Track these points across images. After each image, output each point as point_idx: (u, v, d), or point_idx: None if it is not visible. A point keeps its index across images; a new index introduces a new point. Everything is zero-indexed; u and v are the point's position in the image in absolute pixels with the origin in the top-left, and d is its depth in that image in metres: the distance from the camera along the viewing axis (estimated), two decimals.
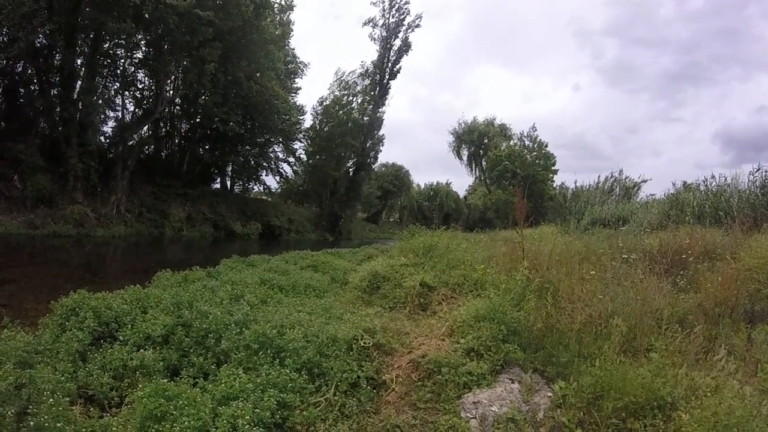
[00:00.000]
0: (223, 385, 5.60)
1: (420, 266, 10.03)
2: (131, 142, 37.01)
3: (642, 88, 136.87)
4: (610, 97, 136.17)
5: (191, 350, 6.67)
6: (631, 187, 47.35)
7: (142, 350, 6.39)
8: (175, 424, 4.74)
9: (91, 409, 5.33)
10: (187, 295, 8.25)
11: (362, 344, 6.42)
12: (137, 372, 6.00)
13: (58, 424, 4.54)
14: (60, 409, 4.84)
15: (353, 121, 54.65)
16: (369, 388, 5.88)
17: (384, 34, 55.79)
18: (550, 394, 5.72)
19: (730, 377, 5.24)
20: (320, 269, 14.17)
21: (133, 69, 40.04)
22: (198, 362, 6.40)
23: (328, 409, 5.64)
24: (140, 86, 40.69)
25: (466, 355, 6.19)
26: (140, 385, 5.52)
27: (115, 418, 5.12)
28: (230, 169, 51.88)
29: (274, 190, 57.49)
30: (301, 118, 53.90)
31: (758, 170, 17.15)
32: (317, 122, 55.89)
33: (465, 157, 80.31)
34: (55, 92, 32.59)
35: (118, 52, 38.06)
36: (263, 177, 55.22)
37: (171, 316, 7.34)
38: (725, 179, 18.82)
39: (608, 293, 7.44)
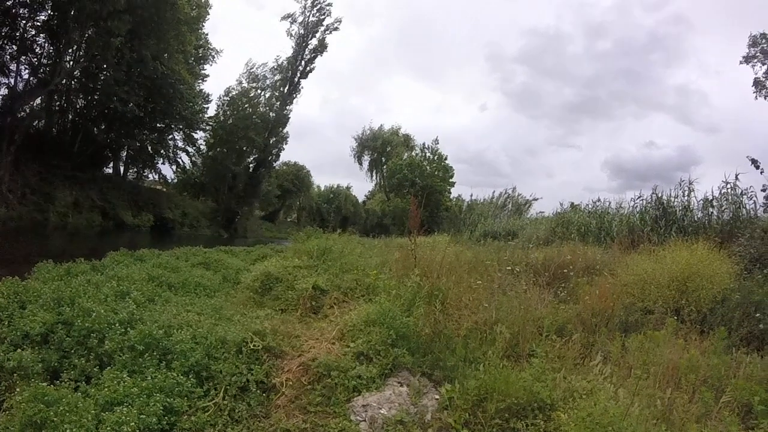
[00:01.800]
0: (106, 389, 5.31)
1: (313, 269, 10.05)
2: (21, 114, 34.04)
3: (544, 115, 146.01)
4: (513, 120, 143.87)
5: (72, 351, 6.27)
6: (523, 203, 49.73)
7: (19, 350, 5.94)
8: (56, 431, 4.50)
9: None
10: (69, 291, 7.68)
11: (252, 347, 6.34)
12: (14, 374, 5.60)
13: None
14: None
15: (259, 116, 53.58)
16: (259, 392, 5.83)
17: (302, 31, 55.44)
18: (437, 396, 5.95)
19: (605, 381, 5.78)
20: (212, 267, 13.77)
21: (33, 32, 36.40)
22: (80, 364, 6.03)
23: (218, 413, 5.52)
24: (38, 52, 37.36)
25: (356, 358, 6.30)
26: (18, 389, 5.22)
27: None
28: (125, 154, 49.01)
29: (170, 180, 55.03)
30: (205, 106, 52.08)
31: (639, 197, 19.10)
32: (221, 113, 54.21)
33: (366, 163, 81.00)
34: None
35: (21, 12, 34.58)
36: (159, 165, 52.57)
37: (51, 312, 6.83)
38: (609, 203, 20.62)
39: (494, 302, 7.89)
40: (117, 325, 6.67)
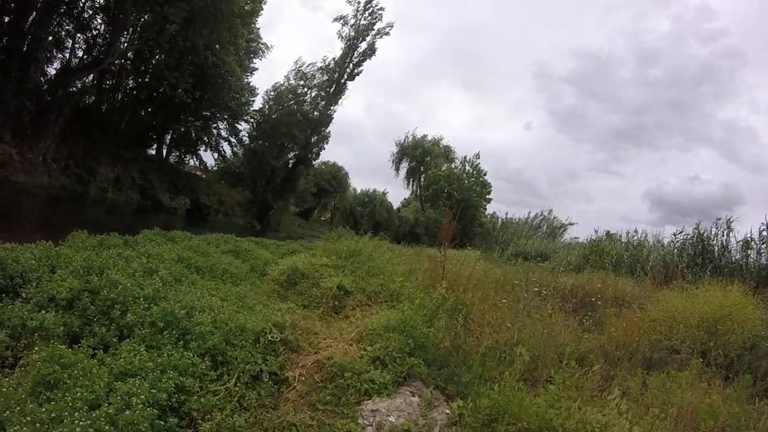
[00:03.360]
0: (122, 360, 5.39)
1: (340, 269, 10.04)
2: (72, 89, 35.00)
3: (588, 138, 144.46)
4: (556, 141, 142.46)
5: (95, 319, 6.37)
6: (558, 227, 49.47)
7: (43, 311, 6.05)
8: (67, 394, 4.53)
9: None
10: (100, 261, 7.85)
11: (270, 338, 6.39)
12: (36, 334, 5.69)
13: None
14: None
15: (303, 114, 54.06)
16: (271, 383, 5.85)
17: (352, 33, 55.68)
18: (447, 411, 5.88)
19: (621, 417, 5.57)
20: (241, 256, 13.89)
21: (91, 13, 37.55)
22: (100, 332, 6.12)
23: (227, 398, 5.55)
24: (94, 32, 38.51)
25: (371, 362, 6.28)
26: (36, 348, 5.29)
27: (7, 378, 4.81)
28: (169, 137, 50.14)
29: (209, 168, 56.03)
30: (251, 99, 52.87)
31: (681, 233, 18.71)
32: (267, 107, 54.94)
33: (403, 171, 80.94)
34: (6, 20, 29.94)
35: None
36: (201, 152, 53.71)
37: (79, 280, 6.95)
38: (646, 235, 20.11)
39: (517, 322, 7.77)
40: (141, 299, 6.77)
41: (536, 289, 10.70)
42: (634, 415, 5.70)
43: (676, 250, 18.10)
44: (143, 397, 4.74)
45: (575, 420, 5.42)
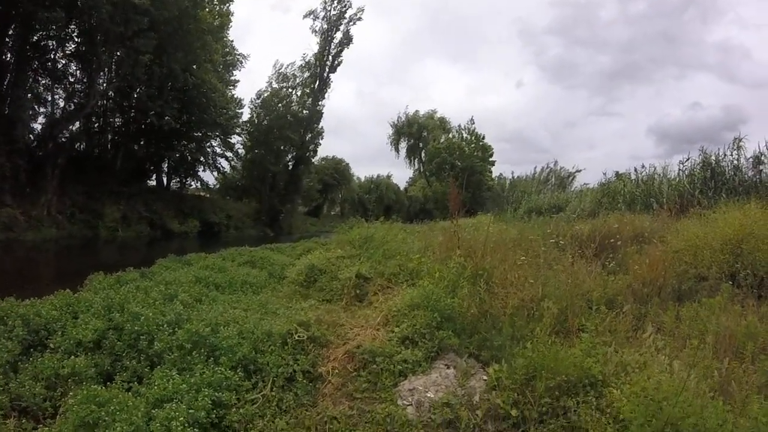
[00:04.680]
0: (156, 387, 5.45)
1: (356, 258, 10.04)
2: (62, 140, 35.26)
3: (581, 85, 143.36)
4: (550, 93, 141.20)
5: (124, 354, 6.45)
6: (566, 177, 48.89)
7: (73, 357, 6.13)
8: (107, 431, 4.61)
9: (24, 421, 5.11)
10: (119, 297, 7.95)
11: (297, 338, 6.40)
12: (69, 380, 5.76)
13: None
14: None
15: (292, 114, 54.00)
16: (305, 381, 5.88)
17: (325, 26, 55.47)
18: (485, 377, 5.86)
19: (658, 353, 5.52)
20: (258, 265, 13.97)
21: (64, 62, 37.89)
22: (131, 366, 6.21)
23: (266, 405, 5.59)
24: (71, 80, 38.65)
25: (401, 343, 6.26)
26: (71, 393, 5.34)
27: (48, 429, 4.92)
28: (166, 165, 50.32)
29: (212, 186, 56.17)
30: (239, 111, 52.86)
31: (687, 160, 18.45)
32: (255, 116, 54.90)
33: (403, 150, 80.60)
34: None
35: (49, 44, 35.99)
36: (200, 173, 53.82)
37: (102, 319, 7.05)
38: (654, 168, 19.93)
39: (540, 277, 7.67)
40: (165, 326, 6.85)
41: (553, 241, 10.68)
42: (672, 349, 5.62)
43: (686, 178, 17.80)
44: (182, 419, 4.80)
45: (613, 364, 5.39)
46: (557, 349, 5.57)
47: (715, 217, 10.31)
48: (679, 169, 18.67)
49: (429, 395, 5.53)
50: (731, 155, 16.66)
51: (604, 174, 23.33)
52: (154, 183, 49.09)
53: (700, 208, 12.78)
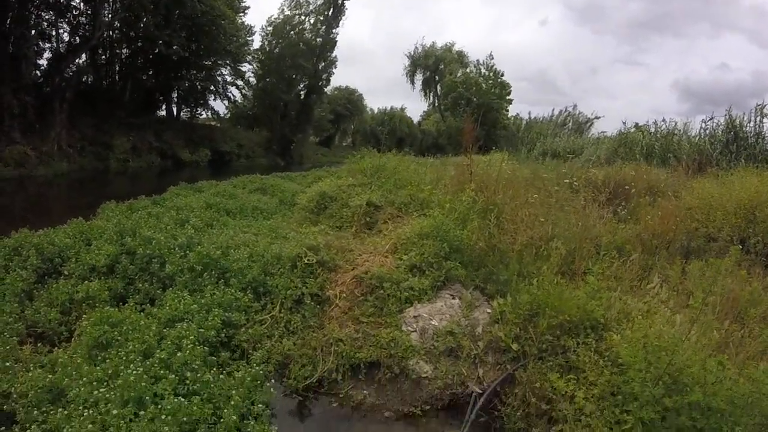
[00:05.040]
0: (167, 308, 5.65)
1: (367, 186, 10.00)
2: (69, 74, 34.78)
3: (608, 31, 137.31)
4: (576, 36, 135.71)
5: (136, 277, 6.62)
6: (584, 122, 48.11)
7: (87, 282, 6.29)
8: (120, 350, 4.76)
9: (40, 345, 5.27)
10: (131, 223, 8.04)
11: (306, 261, 6.51)
12: (84, 304, 5.93)
13: (6, 364, 4.50)
14: (7, 348, 4.81)
15: (305, 42, 52.59)
16: (313, 304, 6.03)
17: None
18: (489, 310, 6.00)
19: (662, 305, 5.57)
20: (269, 192, 14.11)
21: None
22: (144, 288, 6.39)
23: (274, 325, 5.80)
24: (75, 12, 37.59)
25: (408, 271, 6.36)
26: (85, 316, 5.53)
27: (62, 350, 5.07)
28: (176, 95, 49.70)
29: (222, 115, 55.49)
30: (249, 39, 51.47)
31: (710, 119, 17.98)
32: (267, 43, 53.48)
33: (419, 83, 78.63)
34: None
35: None
36: (211, 102, 52.97)
37: (114, 245, 7.17)
38: (675, 124, 19.57)
39: (550, 217, 7.70)
40: (176, 249, 7.00)
41: (567, 181, 10.61)
42: (676, 303, 5.65)
43: (707, 138, 17.54)
44: (192, 337, 4.98)
45: (616, 310, 5.48)
46: (562, 289, 5.68)
47: (732, 180, 10.18)
48: (701, 128, 18.33)
49: (433, 323, 5.67)
50: (756, 121, 16.34)
51: (624, 123, 22.77)
52: (163, 113, 48.54)
53: (718, 169, 12.72)
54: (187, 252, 6.90)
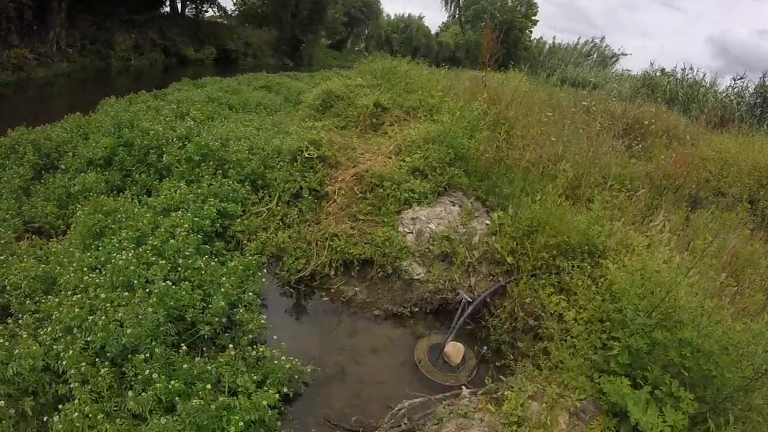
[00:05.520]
0: (163, 197, 5.62)
1: (376, 88, 9.72)
2: None
3: None
4: None
5: (134, 168, 6.58)
6: (610, 57, 46.53)
7: (83, 174, 6.24)
8: (113, 238, 4.78)
9: (36, 239, 5.25)
10: (129, 116, 7.83)
11: (307, 155, 6.43)
12: (80, 197, 5.90)
13: (1, 257, 4.48)
14: (2, 242, 4.82)
15: None
16: (311, 198, 6.02)
17: None
18: (488, 221, 5.98)
19: (662, 245, 5.43)
20: (274, 90, 13.75)
21: None
22: (141, 179, 6.37)
23: (270, 218, 5.81)
24: None
25: (410, 173, 6.29)
26: (80, 206, 5.51)
27: (56, 242, 5.08)
28: None
29: (230, 13, 53.75)
30: None
31: (741, 78, 17.68)
32: None
33: None
34: None
35: None
36: None
37: (112, 137, 7.05)
38: (704, 75, 18.98)
39: (562, 138, 7.57)
40: (175, 140, 6.89)
41: (585, 103, 10.37)
42: (676, 246, 5.53)
43: (734, 96, 17.25)
44: (186, 225, 4.98)
45: (616, 239, 5.41)
46: (564, 211, 5.63)
47: (753, 141, 10.00)
48: (730, 85, 17.95)
49: (431, 227, 5.64)
50: None
51: (652, 64, 22.03)
52: (167, 10, 47.21)
53: (740, 129, 12.50)
54: (186, 143, 6.81)
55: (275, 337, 4.24)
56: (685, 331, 3.52)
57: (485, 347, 4.69)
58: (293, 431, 3.73)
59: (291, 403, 3.94)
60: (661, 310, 3.81)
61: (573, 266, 5.13)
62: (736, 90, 17.64)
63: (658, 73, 20.72)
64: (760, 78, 17.03)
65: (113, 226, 5.04)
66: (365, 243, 5.39)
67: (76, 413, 3.00)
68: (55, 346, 3.36)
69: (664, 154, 8.33)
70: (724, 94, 17.64)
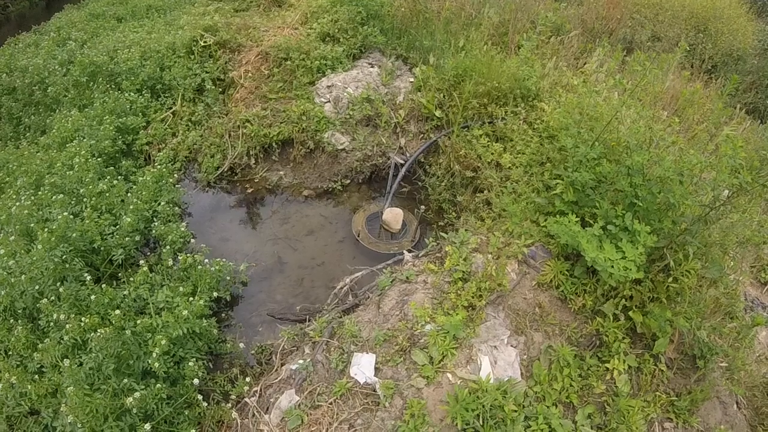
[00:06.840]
0: (55, 130, 5.26)
1: None
2: None
3: None
4: None
5: (23, 114, 6.16)
6: None
7: None
8: (9, 189, 4.53)
9: None
10: (4, 60, 7.03)
11: (203, 44, 6.03)
12: None
13: None
14: None
15: None
16: (215, 88, 5.70)
17: None
18: (411, 79, 5.78)
19: (600, 84, 5.20)
20: None
21: None
22: (33, 122, 5.98)
23: (177, 121, 5.51)
24: None
25: (320, 39, 6.01)
26: None
27: None
28: None
29: None
30: None
31: None
32: None
33: None
34: None
35: None
36: None
37: None
38: None
39: None
40: (57, 68, 6.33)
41: None
42: (611, 87, 5.31)
43: None
44: (84, 153, 4.66)
45: (550, 81, 5.27)
46: (492, 56, 5.42)
47: None
48: None
49: (348, 91, 5.42)
50: None
51: None
52: None
53: None
54: (69, 68, 6.26)
55: (203, 244, 4.09)
56: (634, 156, 3.24)
57: (423, 207, 4.63)
58: (239, 335, 3.69)
59: (232, 307, 3.88)
60: (603, 141, 3.62)
61: (506, 112, 5.04)
62: None
63: None
64: None
65: (8, 178, 4.78)
66: (281, 122, 5.16)
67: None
68: None
69: None
70: None
